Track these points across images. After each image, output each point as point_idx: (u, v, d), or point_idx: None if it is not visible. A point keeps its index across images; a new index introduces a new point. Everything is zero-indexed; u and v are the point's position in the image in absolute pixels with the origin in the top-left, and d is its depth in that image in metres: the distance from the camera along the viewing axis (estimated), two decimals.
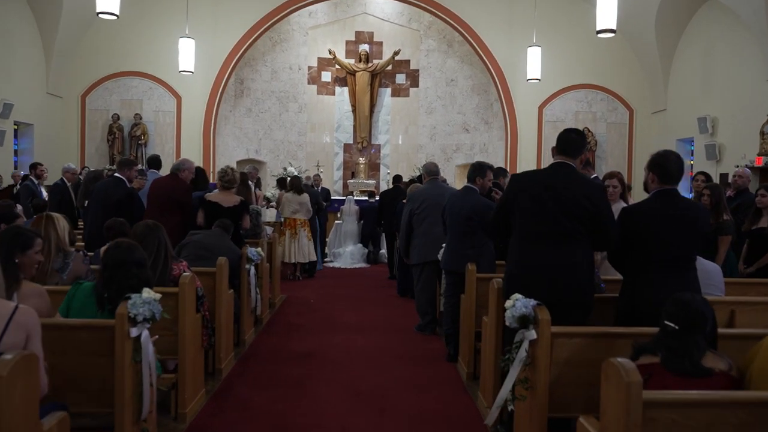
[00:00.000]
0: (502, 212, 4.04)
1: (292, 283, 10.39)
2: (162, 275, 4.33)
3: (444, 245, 6.24)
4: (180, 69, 13.51)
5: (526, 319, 3.35)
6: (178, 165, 6.87)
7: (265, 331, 7.04)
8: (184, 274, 4.36)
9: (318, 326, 7.30)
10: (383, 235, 12.04)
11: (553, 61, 14.81)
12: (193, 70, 13.63)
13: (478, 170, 6.08)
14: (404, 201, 8.64)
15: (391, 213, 10.36)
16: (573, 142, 3.99)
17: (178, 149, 15.49)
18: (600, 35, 10.00)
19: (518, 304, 3.39)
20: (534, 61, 13.51)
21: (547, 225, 3.77)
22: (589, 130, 15.30)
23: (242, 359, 5.89)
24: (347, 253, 12.13)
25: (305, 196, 10.61)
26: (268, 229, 8.71)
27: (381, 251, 12.50)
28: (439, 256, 6.32)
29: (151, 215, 6.44)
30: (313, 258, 10.79)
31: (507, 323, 3.48)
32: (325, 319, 7.67)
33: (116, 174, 6.91)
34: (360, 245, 12.38)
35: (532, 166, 15.20)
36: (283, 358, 5.94)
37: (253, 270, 6.36)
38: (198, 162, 15.50)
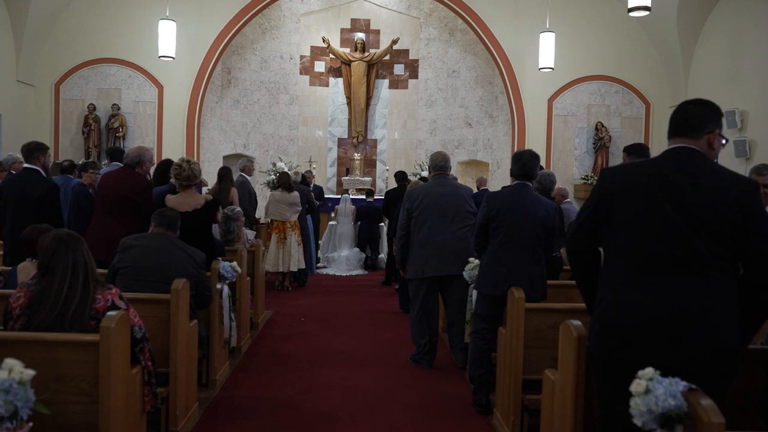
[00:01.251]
0: (590, 224, 2.60)
1: (279, 294, 8.92)
2: (78, 314, 2.87)
3: (472, 259, 4.81)
4: (160, 54, 12.03)
5: (673, 420, 1.89)
6: (136, 155, 5.39)
7: (242, 366, 5.58)
8: (109, 313, 2.88)
9: (308, 357, 5.85)
10: (384, 238, 10.61)
11: (565, 51, 13.37)
12: (174, 56, 12.15)
13: (534, 162, 4.63)
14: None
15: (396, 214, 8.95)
16: (699, 118, 2.54)
17: (159, 143, 13.97)
18: (632, 14, 8.57)
19: (659, 390, 1.93)
20: (547, 48, 12.10)
21: (669, 246, 2.33)
22: (602, 125, 13.90)
23: (210, 412, 4.42)
24: (342, 259, 10.66)
25: (295, 195, 9.15)
26: (250, 234, 7.21)
27: (380, 256, 11.03)
28: (467, 275, 4.88)
29: (99, 220, 4.99)
30: (302, 266, 9.32)
31: (637, 421, 2.01)
32: (318, 346, 6.22)
33: (26, 165, 5.42)
34: (356, 250, 10.89)
35: (541, 163, 13.79)
36: (263, 411, 4.47)
37: (226, 291, 4.89)
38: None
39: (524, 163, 4.60)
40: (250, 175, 9.45)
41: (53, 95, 13.80)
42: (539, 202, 4.52)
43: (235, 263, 4.96)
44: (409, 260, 5.53)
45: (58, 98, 13.84)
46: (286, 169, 11.46)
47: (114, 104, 13.79)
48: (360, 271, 10.79)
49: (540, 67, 12.30)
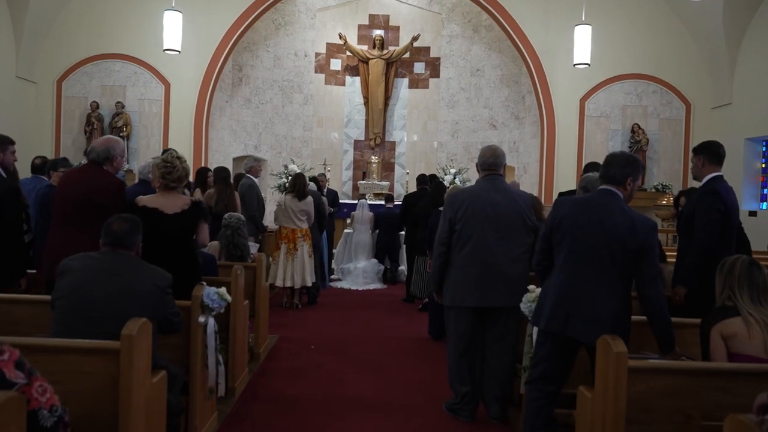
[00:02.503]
0: None
1: (287, 313, 7.73)
2: None
3: (533, 287, 3.59)
4: (165, 47, 10.94)
5: None
6: (103, 149, 4.20)
7: (234, 418, 4.26)
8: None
9: (319, 404, 4.58)
10: (404, 247, 9.41)
11: (598, 47, 12.06)
12: (179, 49, 11.06)
13: (631, 165, 3.44)
14: (440, 209, 5.96)
15: (415, 221, 7.74)
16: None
17: (165, 143, 12.87)
18: None
19: None
20: (583, 43, 10.87)
21: None
22: (639, 127, 12.62)
23: None
24: (359, 271, 9.40)
25: (308, 202, 7.96)
26: (252, 247, 6.00)
27: (400, 268, 9.79)
28: (525, 308, 3.66)
29: (57, 232, 3.83)
30: (314, 280, 8.11)
31: None
32: (331, 388, 4.93)
33: None
34: (374, 261, 9.63)
35: (571, 168, 12.55)
36: None
37: (212, 325, 3.68)
38: (188, 159, 12.92)
39: (617, 163, 3.42)
40: (257, 177, 8.27)
41: (55, 92, 12.78)
42: (627, 216, 3.29)
43: (223, 289, 3.74)
44: (448, 283, 4.29)
45: (60, 95, 12.82)
46: (296, 169, 10.20)
47: (118, 102, 12.73)
48: (378, 285, 9.54)
49: (575, 63, 11.06)
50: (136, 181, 5.78)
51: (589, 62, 10.92)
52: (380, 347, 6.25)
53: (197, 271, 4.10)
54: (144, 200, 4.14)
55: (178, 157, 4.16)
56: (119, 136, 12.66)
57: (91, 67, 12.83)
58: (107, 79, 12.85)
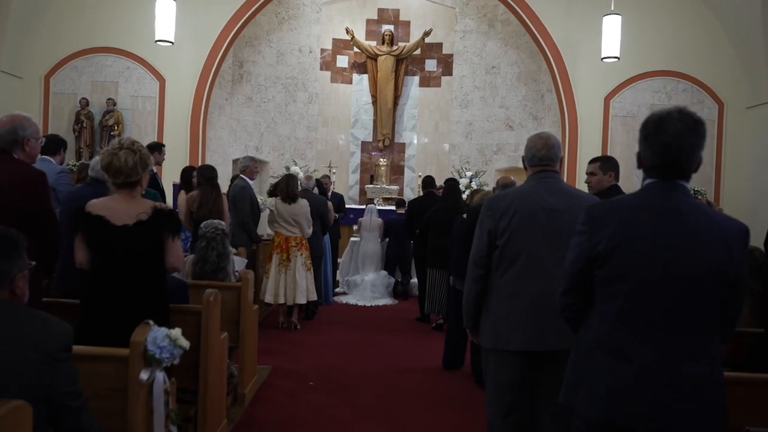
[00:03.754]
0: None
1: (282, 335, 6.59)
2: None
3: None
4: (156, 38, 9.89)
5: None
6: (8, 129, 3.08)
7: None
8: None
9: None
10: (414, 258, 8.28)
11: (626, 41, 10.89)
12: (172, 40, 10.00)
13: (700, 134, 2.18)
14: (462, 215, 4.84)
15: (426, 229, 6.63)
16: None
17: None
18: None
19: None
20: (611, 34, 9.76)
21: None
22: None
23: None
24: (366, 284, 8.25)
25: (302, 205, 6.86)
26: (238, 262, 4.84)
27: (412, 280, 8.64)
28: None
29: None
30: (313, 297, 6.99)
31: None
32: None
33: None
34: (384, 273, 8.46)
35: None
36: None
37: (160, 382, 2.55)
38: (184, 160, 11.86)
39: (677, 132, 2.14)
40: (252, 179, 7.16)
41: (42, 88, 11.76)
42: (713, 225, 2.12)
43: (177, 332, 2.60)
44: (486, 317, 3.14)
45: (48, 92, 11.80)
46: (298, 173, 9.00)
47: (109, 99, 11.68)
48: (388, 300, 8.36)
49: (603, 56, 9.92)
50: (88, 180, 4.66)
51: (618, 56, 9.77)
52: (393, 383, 5.11)
53: (163, 305, 2.99)
54: (93, 205, 3.05)
55: (129, 146, 3.04)
56: (110, 135, 11.64)
57: (81, 61, 11.79)
58: (98, 75, 11.81)
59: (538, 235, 2.96)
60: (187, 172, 6.79)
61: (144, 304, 2.92)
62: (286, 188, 6.99)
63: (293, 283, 6.88)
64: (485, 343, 3.12)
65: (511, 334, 2.99)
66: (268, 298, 6.81)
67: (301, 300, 6.93)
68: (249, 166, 7.12)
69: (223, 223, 4.65)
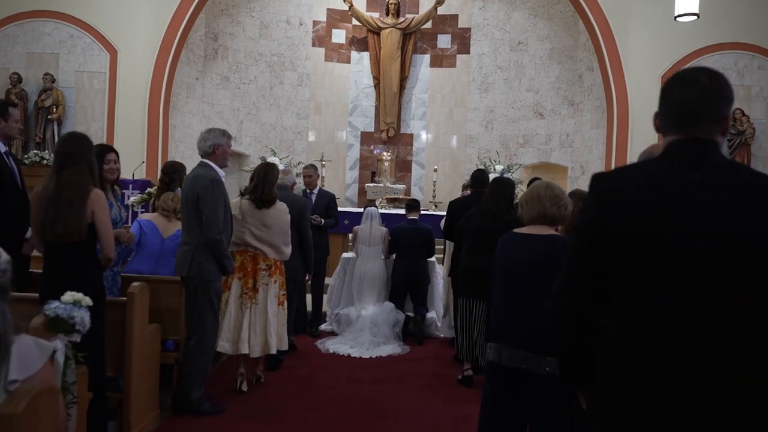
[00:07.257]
0: None
1: (234, 407, 3.94)
2: None
3: None
4: None
5: None
6: None
7: None
8: None
9: None
10: (440, 283, 5.69)
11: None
12: None
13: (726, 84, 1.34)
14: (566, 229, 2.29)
15: (474, 243, 4.09)
16: None
17: (110, 130, 9.31)
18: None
19: None
20: None
21: None
22: (742, 113, 8.97)
23: None
24: (364, 321, 5.52)
25: (279, 212, 4.32)
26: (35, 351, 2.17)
27: (429, 315, 5.97)
28: None
29: None
30: (284, 346, 4.40)
31: None
32: None
33: None
34: (389, 305, 5.72)
35: None
36: None
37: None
38: (141, 151, 9.28)
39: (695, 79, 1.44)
40: (225, 165, 4.26)
41: None
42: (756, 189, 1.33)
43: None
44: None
45: None
46: (278, 163, 6.09)
47: (47, 74, 9.11)
48: (395, 348, 5.49)
49: (677, 14, 7.34)
50: None
51: (697, 12, 7.20)
52: None
53: None
54: None
55: None
56: (47, 119, 9.09)
57: (14, 28, 9.27)
58: (34, 45, 9.25)
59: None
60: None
61: None
62: (260, 184, 4.43)
63: (263, 324, 4.33)
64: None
65: None
66: (224, 347, 4.25)
67: (272, 350, 4.38)
68: (220, 145, 4.16)
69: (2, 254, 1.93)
